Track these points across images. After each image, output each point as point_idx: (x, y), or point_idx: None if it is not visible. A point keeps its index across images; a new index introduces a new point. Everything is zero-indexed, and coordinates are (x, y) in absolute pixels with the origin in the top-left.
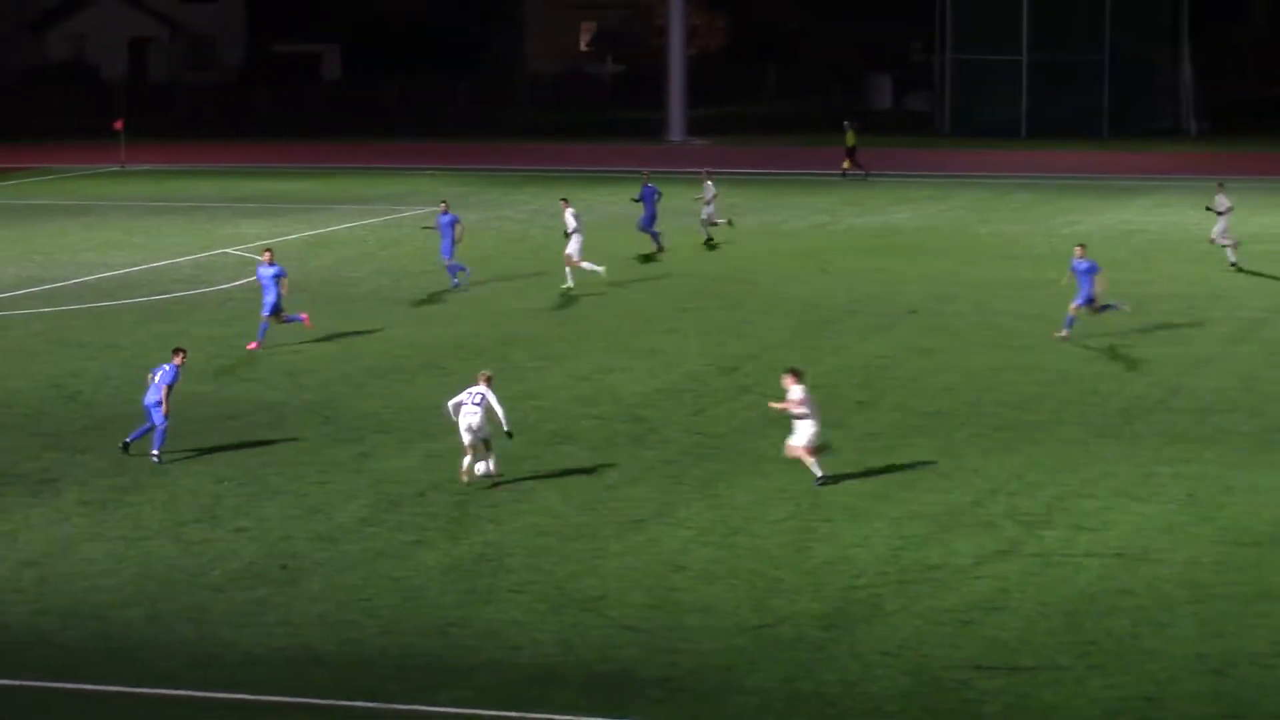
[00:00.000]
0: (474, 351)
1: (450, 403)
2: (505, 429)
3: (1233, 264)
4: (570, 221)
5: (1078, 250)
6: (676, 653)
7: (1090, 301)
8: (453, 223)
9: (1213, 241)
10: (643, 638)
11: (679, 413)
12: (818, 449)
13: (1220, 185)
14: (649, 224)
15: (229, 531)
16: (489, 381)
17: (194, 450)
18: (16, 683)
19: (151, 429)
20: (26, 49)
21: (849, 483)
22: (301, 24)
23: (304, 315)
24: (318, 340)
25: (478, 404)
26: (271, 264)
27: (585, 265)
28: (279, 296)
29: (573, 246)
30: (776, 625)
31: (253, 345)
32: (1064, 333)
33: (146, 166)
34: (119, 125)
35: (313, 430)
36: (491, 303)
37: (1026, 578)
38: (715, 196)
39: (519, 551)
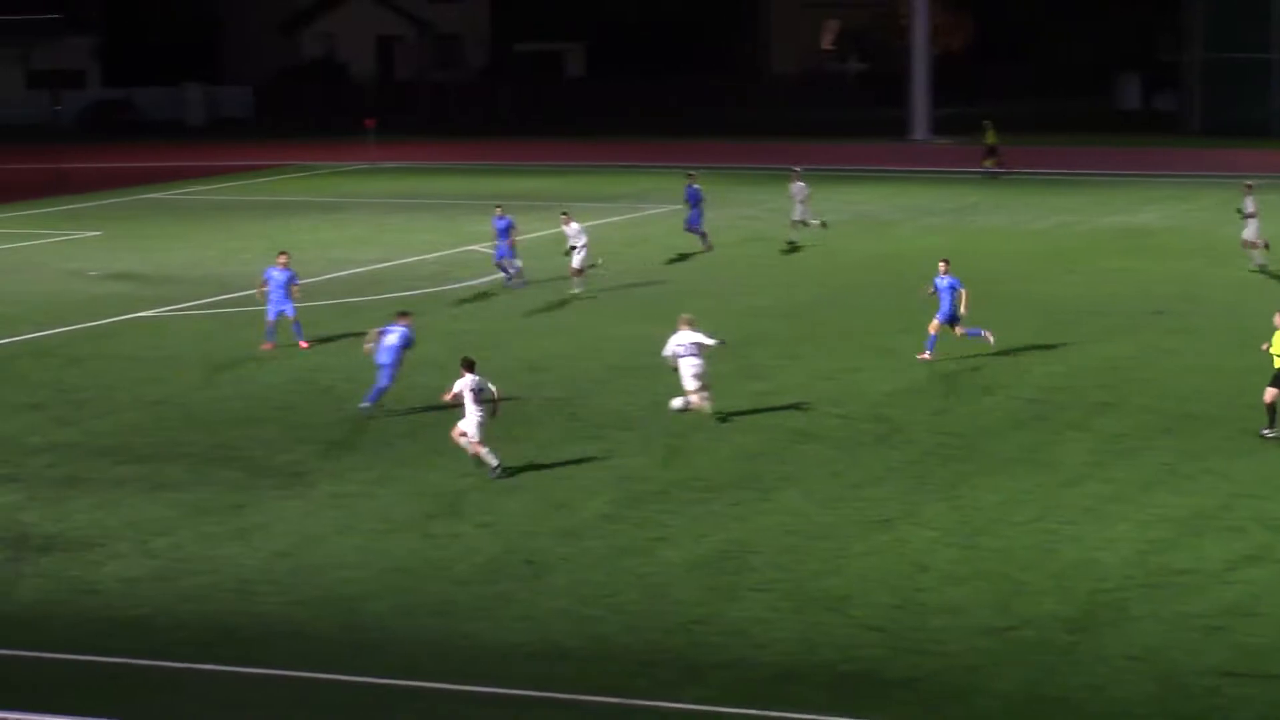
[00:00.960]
0: (714, 350)
1: (666, 353)
2: (719, 341)
3: (1259, 266)
4: (573, 237)
5: (941, 266)
6: (921, 654)
7: (952, 321)
8: (509, 226)
9: (1245, 244)
10: (887, 638)
11: (922, 412)
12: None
13: (1249, 187)
14: (696, 223)
15: (473, 526)
16: (691, 324)
17: (438, 445)
18: (271, 671)
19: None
20: (281, 49)
21: (1091, 485)
22: (545, 23)
23: (303, 342)
24: (560, 336)
25: (693, 352)
26: (286, 268)
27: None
28: (289, 301)
29: (578, 259)
30: (1021, 628)
31: (267, 347)
32: (926, 354)
33: (394, 164)
34: (370, 123)
35: (556, 426)
36: (731, 302)
37: (1278, 584)
38: (808, 196)
39: (762, 550)
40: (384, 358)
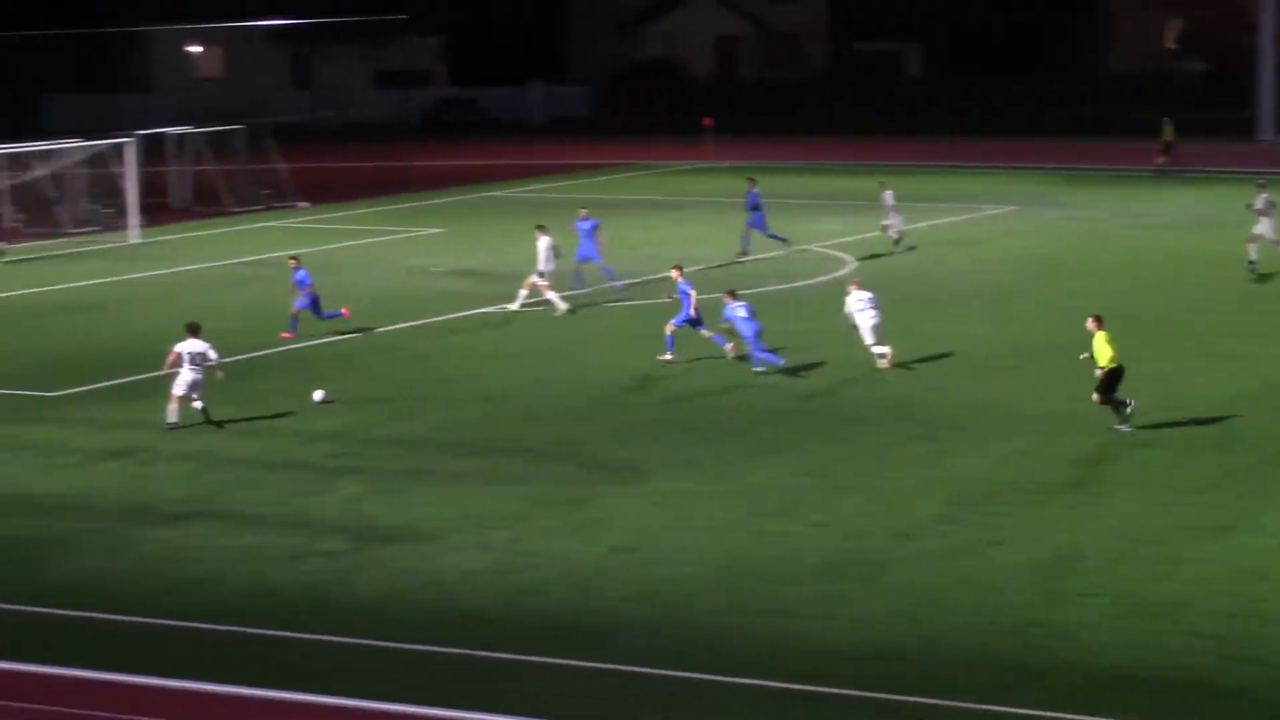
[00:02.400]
0: (1048, 350)
1: (847, 310)
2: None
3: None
4: (542, 251)
5: (674, 272)
6: (1258, 663)
7: (694, 323)
8: (594, 228)
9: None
10: (1221, 646)
11: (1263, 418)
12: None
13: (1261, 186)
14: (762, 226)
15: (806, 526)
16: (859, 285)
17: (772, 444)
18: (606, 666)
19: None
20: (622, 49)
21: None
22: (884, 24)
23: (344, 310)
24: (893, 337)
25: (876, 307)
26: (298, 269)
27: (549, 295)
28: (312, 300)
29: (543, 268)
30: None
31: (287, 334)
32: (666, 355)
33: (732, 163)
34: (708, 122)
35: (888, 426)
36: (1058, 302)
37: None
38: (894, 208)
39: (1095, 555)
40: (745, 330)
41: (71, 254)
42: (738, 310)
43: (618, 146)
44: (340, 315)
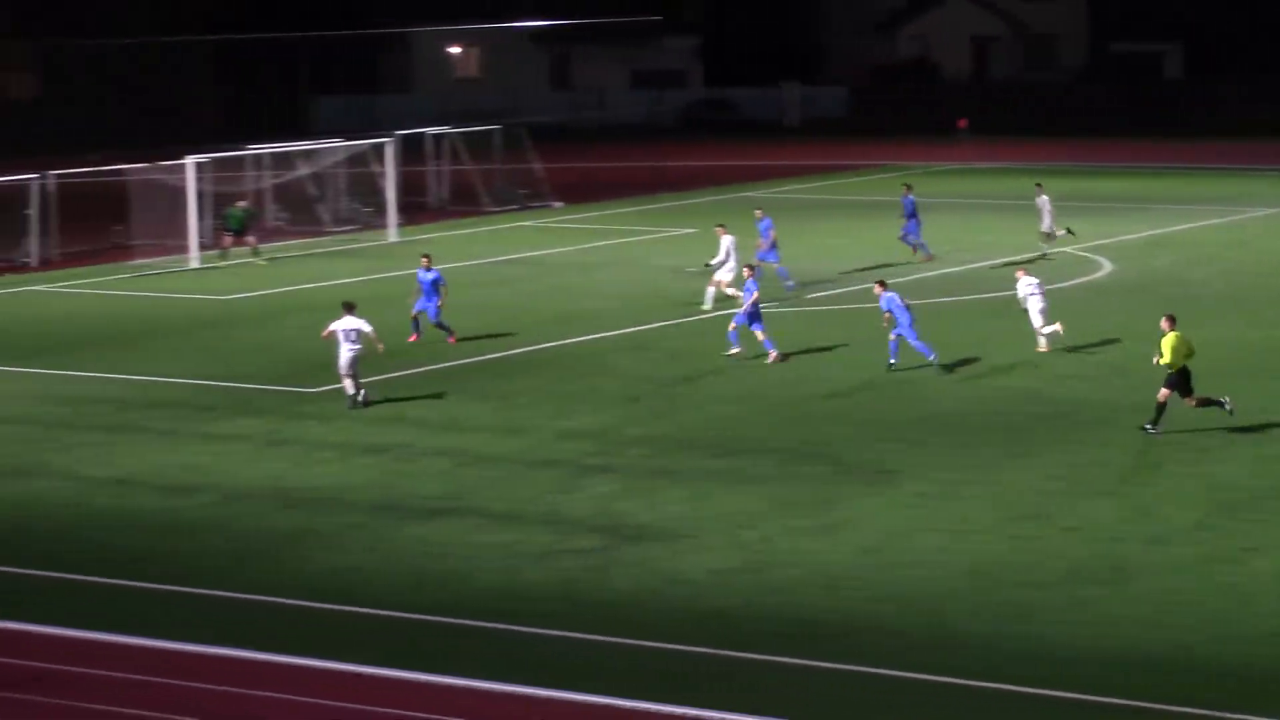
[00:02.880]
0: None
1: (1019, 295)
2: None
3: None
4: (724, 248)
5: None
6: None
7: (752, 319)
8: (769, 228)
9: None
10: None
11: None
12: None
13: None
14: (915, 233)
15: (1058, 530)
16: (1027, 271)
17: (1023, 447)
18: (853, 668)
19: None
20: (876, 49)
21: None
22: (1143, 23)
23: (450, 339)
24: (1151, 340)
25: (1042, 291)
26: (430, 269)
27: (730, 291)
28: (438, 303)
29: (723, 273)
30: None
31: (413, 337)
32: (734, 350)
33: (985, 164)
34: (962, 123)
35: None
36: None
37: None
38: (1049, 211)
39: None
40: (902, 319)
41: (332, 252)
42: (894, 300)
43: (871, 147)
44: (448, 338)
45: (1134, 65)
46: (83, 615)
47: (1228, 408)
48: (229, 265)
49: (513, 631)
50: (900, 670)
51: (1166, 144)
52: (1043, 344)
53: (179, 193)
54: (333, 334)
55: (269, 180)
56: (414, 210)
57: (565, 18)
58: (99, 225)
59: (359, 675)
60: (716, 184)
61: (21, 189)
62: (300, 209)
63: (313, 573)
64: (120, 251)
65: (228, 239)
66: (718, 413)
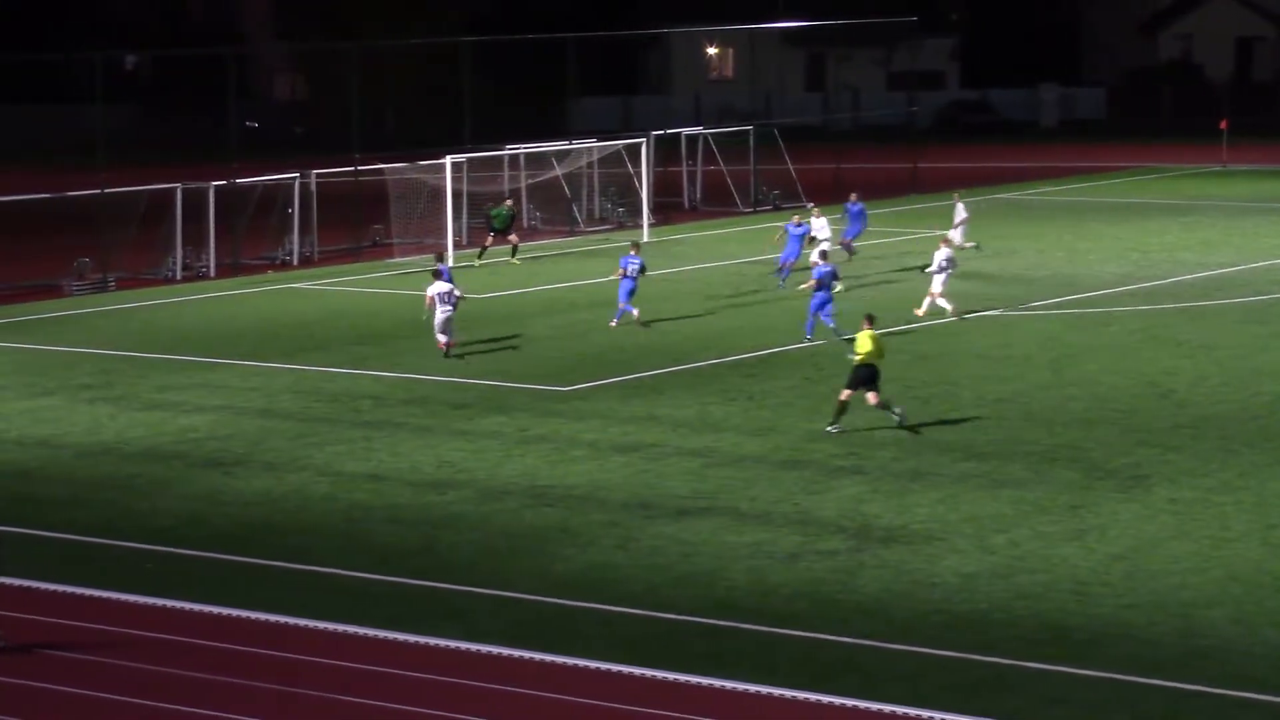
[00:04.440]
0: None
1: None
2: None
3: None
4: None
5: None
6: None
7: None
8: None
9: None
10: None
11: None
12: None
13: None
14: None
15: None
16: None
17: None
18: (1102, 674)
19: None
20: (1138, 50)
21: None
22: None
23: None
24: None
25: (950, 269)
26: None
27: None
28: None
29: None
30: None
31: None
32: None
33: (1247, 166)
34: (1224, 125)
35: None
36: None
37: None
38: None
39: None
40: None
41: (585, 252)
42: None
43: (1130, 149)
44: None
45: None
46: (333, 609)
47: (897, 416)
48: (485, 264)
49: (760, 631)
50: (1151, 678)
51: None
52: (923, 308)
53: (438, 192)
54: (432, 300)
55: (524, 180)
56: (668, 210)
57: (822, 19)
58: (360, 224)
59: (606, 672)
60: (971, 185)
61: (284, 188)
62: (555, 209)
63: (564, 570)
64: (379, 250)
65: (490, 238)
66: (969, 415)
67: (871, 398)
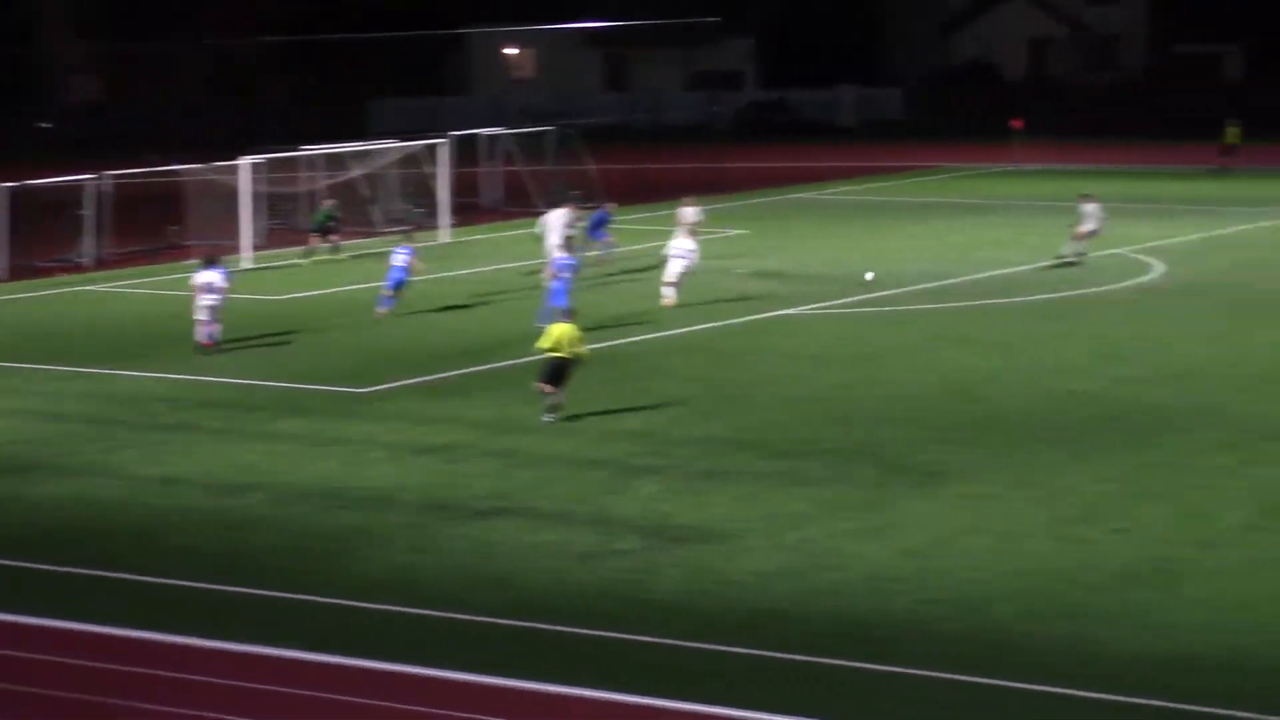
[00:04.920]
0: None
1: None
2: None
3: None
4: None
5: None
6: None
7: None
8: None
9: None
10: None
11: None
12: None
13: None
14: (594, 237)
15: (1106, 533)
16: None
17: (1078, 450)
18: (898, 669)
19: None
20: (934, 51)
21: None
22: (1205, 25)
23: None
24: (1207, 342)
25: (689, 260)
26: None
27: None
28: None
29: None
30: None
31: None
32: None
33: (1040, 166)
34: (1016, 124)
35: (1197, 434)
36: None
37: None
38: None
39: None
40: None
41: (384, 253)
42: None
43: (927, 149)
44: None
45: (1194, 66)
46: (129, 614)
47: (549, 418)
48: (284, 266)
49: (559, 632)
50: (947, 672)
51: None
52: (669, 297)
53: (235, 193)
54: (194, 287)
55: (322, 181)
56: (467, 211)
57: (622, 19)
58: (156, 226)
59: (405, 675)
60: (771, 186)
61: (79, 190)
62: (353, 210)
63: (363, 573)
64: (175, 252)
65: (314, 238)
66: (768, 414)
67: (546, 388)
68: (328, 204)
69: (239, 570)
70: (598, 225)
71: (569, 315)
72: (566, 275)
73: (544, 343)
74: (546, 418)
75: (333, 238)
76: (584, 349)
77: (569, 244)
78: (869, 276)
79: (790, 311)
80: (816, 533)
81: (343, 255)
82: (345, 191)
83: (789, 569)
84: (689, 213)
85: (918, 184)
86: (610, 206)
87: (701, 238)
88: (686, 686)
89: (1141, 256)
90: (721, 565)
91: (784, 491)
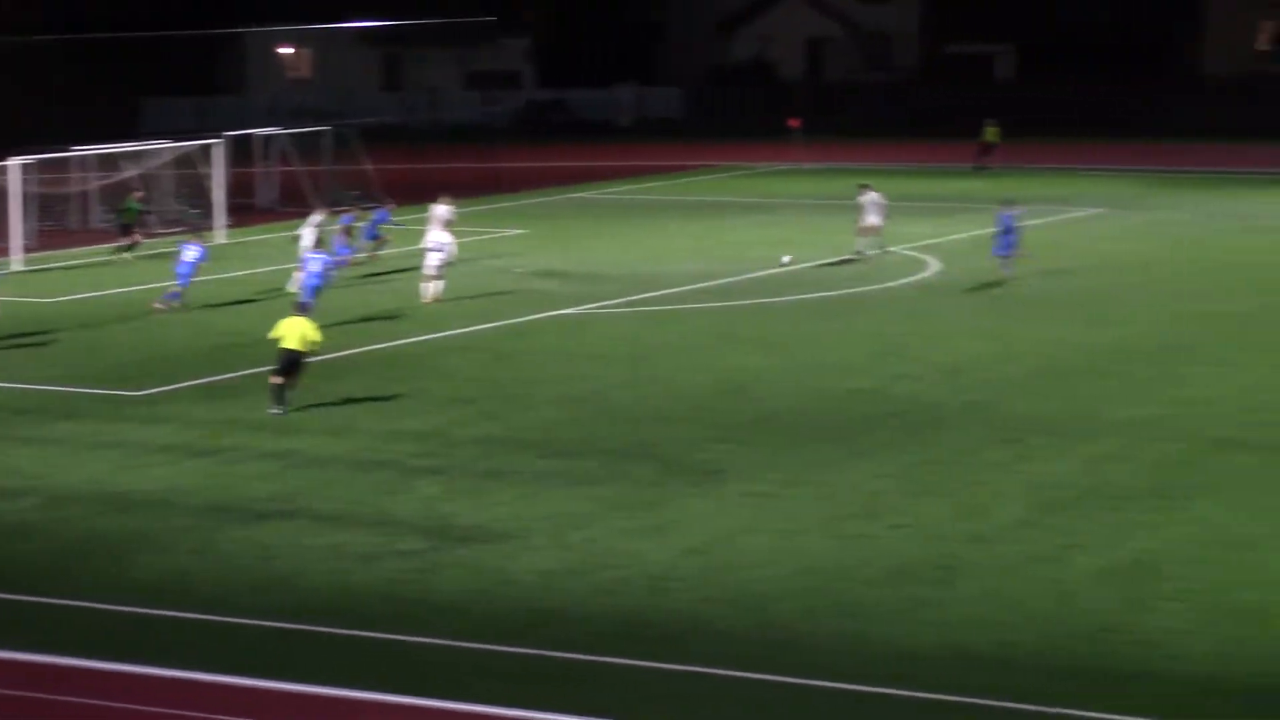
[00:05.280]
0: (1136, 355)
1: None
2: None
3: None
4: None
5: None
6: None
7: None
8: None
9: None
10: None
11: None
12: None
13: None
14: (368, 236)
15: (886, 528)
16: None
17: (856, 447)
18: (680, 667)
19: None
20: (712, 51)
21: None
22: (977, 25)
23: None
24: (979, 339)
25: (446, 255)
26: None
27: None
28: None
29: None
30: None
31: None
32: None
33: (822, 165)
34: (794, 123)
35: (972, 431)
36: (1160, 306)
37: None
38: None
39: (1176, 560)
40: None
41: (159, 254)
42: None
43: (707, 148)
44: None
45: (966, 66)
46: None
47: (277, 411)
48: (136, 257)
49: (341, 634)
50: (728, 669)
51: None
52: (428, 294)
53: (2, 194)
54: None
55: (95, 182)
56: (243, 212)
57: (397, 18)
58: None
59: (184, 681)
60: (549, 185)
61: None
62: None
63: (141, 576)
64: None
65: (137, 232)
66: (549, 414)
67: (276, 380)
68: (134, 196)
69: (9, 576)
70: (374, 225)
71: (306, 310)
72: (316, 272)
73: (274, 333)
74: (273, 409)
75: (136, 234)
76: (317, 342)
77: (321, 243)
78: (786, 260)
79: (569, 311)
80: (598, 532)
81: (131, 255)
82: (118, 193)
83: (571, 568)
84: (442, 210)
85: (697, 183)
86: (390, 206)
87: (484, 237)
88: (468, 687)
89: (918, 254)
90: (503, 565)
91: (565, 491)
